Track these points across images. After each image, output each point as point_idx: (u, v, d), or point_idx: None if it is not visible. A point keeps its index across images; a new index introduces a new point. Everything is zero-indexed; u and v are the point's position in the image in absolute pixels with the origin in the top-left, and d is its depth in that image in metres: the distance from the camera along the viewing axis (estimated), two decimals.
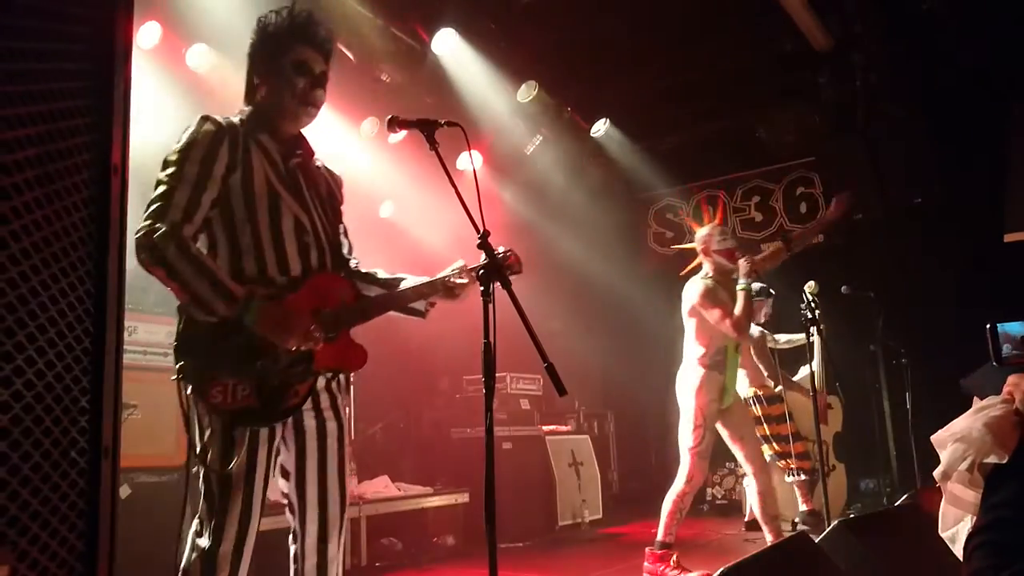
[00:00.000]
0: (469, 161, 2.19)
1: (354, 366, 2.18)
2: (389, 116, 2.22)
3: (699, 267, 4.20)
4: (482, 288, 1.94)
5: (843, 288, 5.48)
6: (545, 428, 6.46)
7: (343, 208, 2.34)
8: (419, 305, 2.31)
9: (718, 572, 1.71)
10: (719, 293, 4.01)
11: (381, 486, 5.12)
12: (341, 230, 2.30)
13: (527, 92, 6.35)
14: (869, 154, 6.75)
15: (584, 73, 6.76)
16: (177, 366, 1.91)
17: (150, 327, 4.20)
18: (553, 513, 6.04)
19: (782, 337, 5.72)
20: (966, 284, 5.69)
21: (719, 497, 6.94)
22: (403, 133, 2.73)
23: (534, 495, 5.97)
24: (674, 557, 4.02)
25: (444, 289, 2.23)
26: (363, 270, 2.36)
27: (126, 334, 4.08)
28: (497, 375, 1.86)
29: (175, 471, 3.98)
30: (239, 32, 4.52)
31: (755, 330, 5.42)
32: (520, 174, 7.34)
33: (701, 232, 4.19)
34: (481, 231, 1.98)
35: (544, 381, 6.54)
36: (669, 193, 8.23)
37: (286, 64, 2.11)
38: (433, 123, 2.12)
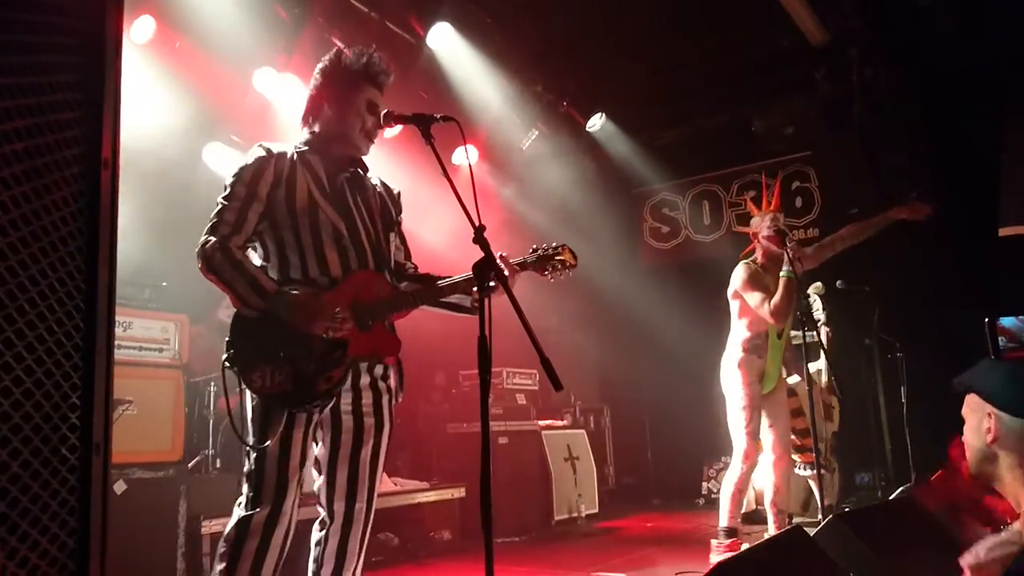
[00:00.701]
0: (465, 156, 2.20)
1: (386, 353, 2.35)
2: (384, 111, 2.27)
3: (754, 251, 4.30)
4: (477, 283, 1.95)
5: (838, 283, 5.47)
6: (541, 423, 6.45)
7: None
8: (465, 302, 2.46)
9: (713, 566, 1.71)
10: (762, 278, 4.10)
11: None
12: (392, 237, 2.48)
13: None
14: (865, 149, 6.75)
15: (580, 68, 6.75)
16: (225, 356, 2.15)
17: (145, 322, 4.18)
18: (549, 508, 6.04)
19: None
20: (961, 278, 5.69)
21: (715, 491, 6.94)
22: (398, 128, 2.74)
23: (530, 490, 5.97)
24: (744, 547, 4.02)
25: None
26: (420, 273, 2.56)
27: (121, 330, 4.09)
28: (493, 370, 1.86)
29: (170, 466, 3.98)
30: (235, 27, 4.54)
31: None
32: (516, 169, 7.32)
33: (755, 219, 4.32)
34: (477, 226, 1.98)
35: (540, 376, 6.54)
36: (665, 188, 8.21)
37: (359, 101, 2.34)
38: (429, 118, 2.16)
